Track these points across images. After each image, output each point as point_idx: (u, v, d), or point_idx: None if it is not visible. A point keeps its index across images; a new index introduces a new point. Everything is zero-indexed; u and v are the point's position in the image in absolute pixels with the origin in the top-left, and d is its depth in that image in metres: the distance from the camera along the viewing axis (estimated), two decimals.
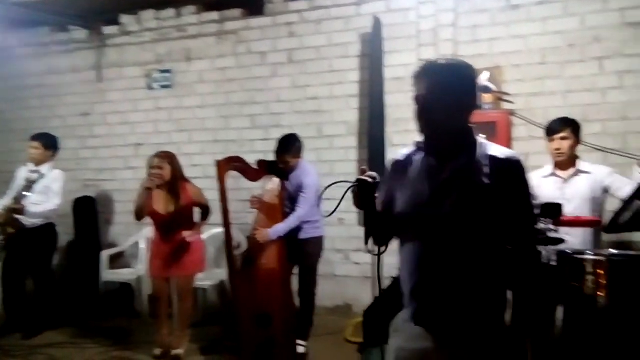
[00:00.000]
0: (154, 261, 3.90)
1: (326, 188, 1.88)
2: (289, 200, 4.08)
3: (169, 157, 3.83)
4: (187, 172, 5.06)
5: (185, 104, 5.54)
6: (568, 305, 2.97)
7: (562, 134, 3.13)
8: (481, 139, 1.70)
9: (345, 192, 1.72)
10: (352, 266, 4.96)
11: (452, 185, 1.63)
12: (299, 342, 4.04)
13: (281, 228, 3.89)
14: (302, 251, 4.05)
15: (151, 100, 5.68)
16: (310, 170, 4.06)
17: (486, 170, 1.62)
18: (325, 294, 4.76)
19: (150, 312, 4.04)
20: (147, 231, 4.71)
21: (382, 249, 1.76)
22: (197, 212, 4.03)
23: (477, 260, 1.61)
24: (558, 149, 3.12)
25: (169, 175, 3.77)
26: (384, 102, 4.65)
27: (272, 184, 4.12)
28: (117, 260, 5.48)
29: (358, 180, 1.68)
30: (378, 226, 1.75)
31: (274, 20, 5.19)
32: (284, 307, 3.88)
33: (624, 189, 2.88)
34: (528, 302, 1.67)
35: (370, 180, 1.67)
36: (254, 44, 5.26)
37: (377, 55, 4.62)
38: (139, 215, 3.78)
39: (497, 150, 1.68)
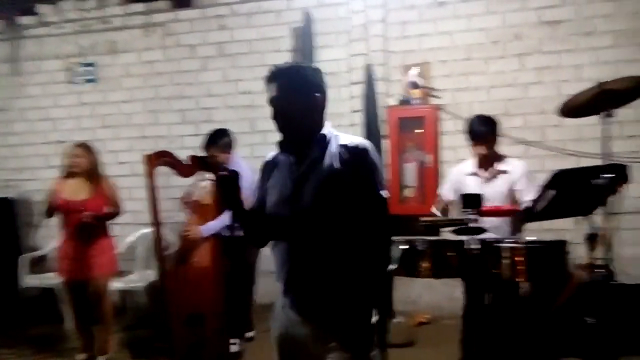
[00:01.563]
0: (64, 263, 3.73)
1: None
2: None
3: (87, 148, 3.77)
4: (114, 170, 4.89)
5: (110, 98, 5.32)
6: (492, 291, 3.12)
7: (485, 141, 3.21)
8: (334, 131, 1.83)
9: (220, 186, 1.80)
10: None
11: (308, 176, 1.75)
12: (233, 340, 3.99)
13: (214, 225, 3.81)
14: (239, 249, 3.99)
15: (74, 95, 5.42)
16: (244, 166, 4.00)
17: (338, 157, 1.75)
18: (263, 290, 4.72)
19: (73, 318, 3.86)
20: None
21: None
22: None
23: (339, 248, 1.72)
24: (482, 153, 3.22)
25: (86, 165, 3.66)
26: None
27: (205, 180, 4.02)
28: (40, 265, 5.20)
29: (218, 176, 1.78)
30: (251, 225, 1.88)
31: (204, 12, 5.07)
32: (216, 307, 3.81)
33: (527, 196, 3.03)
34: (379, 283, 1.77)
35: (227, 173, 1.77)
36: (182, 36, 5.11)
37: (309, 49, 4.62)
38: (48, 211, 3.66)
39: (347, 139, 1.81)
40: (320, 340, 1.74)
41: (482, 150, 3.21)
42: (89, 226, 3.63)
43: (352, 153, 1.75)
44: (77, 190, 3.69)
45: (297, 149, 1.80)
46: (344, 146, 1.77)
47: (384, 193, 1.76)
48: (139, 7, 5.20)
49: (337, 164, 1.73)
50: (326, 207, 1.71)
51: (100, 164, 3.84)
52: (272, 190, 1.83)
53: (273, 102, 1.77)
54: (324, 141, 1.79)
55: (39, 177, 5.48)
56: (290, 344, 1.81)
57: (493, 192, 3.17)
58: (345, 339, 1.72)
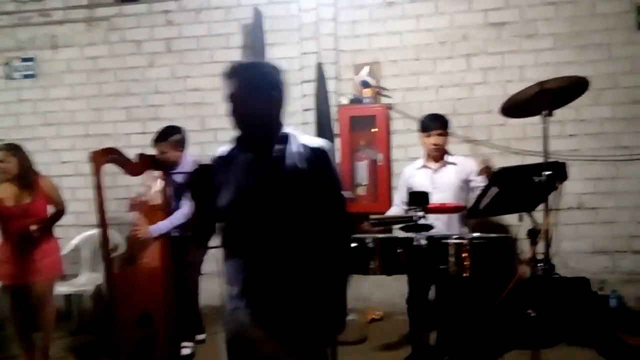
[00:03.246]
0: (5, 267, 3.53)
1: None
2: (174, 196, 3.92)
3: (13, 149, 3.52)
4: (56, 170, 4.71)
5: (52, 95, 5.10)
6: (438, 285, 3.21)
7: (439, 131, 3.34)
8: (292, 131, 1.82)
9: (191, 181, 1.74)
10: None
11: (272, 176, 1.74)
12: (185, 343, 3.91)
13: (164, 225, 3.73)
14: (187, 248, 3.91)
15: (12, 91, 5.16)
16: (196, 165, 3.93)
17: (300, 157, 1.75)
18: (213, 292, 4.64)
19: (11, 326, 3.67)
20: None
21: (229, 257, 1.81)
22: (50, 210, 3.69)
23: (298, 248, 1.72)
24: (436, 144, 3.33)
25: (15, 168, 3.46)
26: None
27: (154, 179, 3.92)
28: None
29: (198, 167, 1.76)
30: (205, 225, 1.83)
31: (150, 7, 4.92)
32: (166, 307, 3.72)
33: (478, 189, 3.13)
34: (337, 282, 1.76)
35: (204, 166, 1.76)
36: (128, 31, 4.96)
37: (259, 47, 4.57)
38: None
39: (307, 139, 1.81)
40: (274, 342, 1.72)
41: (438, 141, 3.31)
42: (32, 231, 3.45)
43: (315, 154, 1.75)
44: (13, 195, 3.48)
45: (257, 146, 1.77)
46: (305, 146, 1.77)
47: (346, 194, 1.79)
48: (82, 0, 5.01)
49: (301, 164, 1.73)
50: (291, 207, 1.70)
51: (32, 163, 3.59)
52: (227, 187, 1.78)
53: (232, 98, 1.75)
54: (284, 140, 1.77)
55: None
56: (243, 346, 1.78)
57: (442, 181, 3.29)
58: (300, 340, 1.71)
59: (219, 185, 1.79)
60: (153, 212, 3.79)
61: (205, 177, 1.75)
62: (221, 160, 1.84)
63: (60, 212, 3.64)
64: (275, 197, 1.71)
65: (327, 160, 1.78)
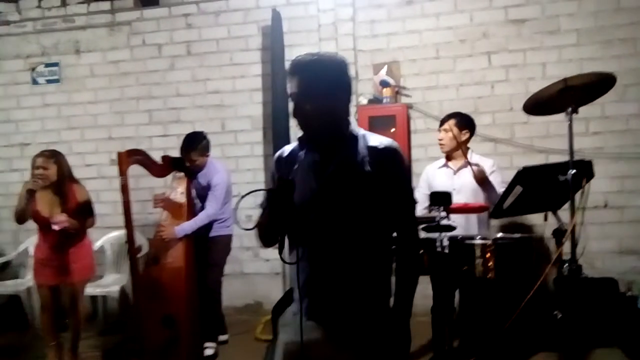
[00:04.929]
0: (39, 268, 3.60)
1: (241, 198, 1.75)
2: (198, 198, 3.96)
3: (54, 156, 3.54)
4: (80, 173, 4.76)
5: (75, 99, 5.18)
6: (463, 288, 3.16)
7: (444, 126, 3.29)
8: (361, 130, 1.74)
9: (245, 195, 1.67)
10: (262, 263, 4.90)
11: (337, 178, 1.65)
12: (207, 344, 3.94)
13: (188, 226, 3.77)
14: (208, 249, 3.94)
15: (37, 96, 5.26)
16: (219, 167, 3.97)
17: (367, 160, 1.65)
18: (235, 293, 4.68)
19: (41, 325, 3.75)
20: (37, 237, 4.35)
21: (291, 259, 1.74)
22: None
23: (363, 251, 1.65)
24: (440, 140, 3.29)
25: (54, 175, 3.49)
26: (287, 96, 4.61)
27: (178, 181, 3.96)
28: (5, 271, 5.04)
29: (281, 180, 1.62)
30: (274, 231, 1.71)
31: (170, 11, 4.98)
32: (190, 308, 3.76)
33: (492, 191, 3.09)
34: (410, 288, 1.68)
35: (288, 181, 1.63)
36: (149, 35, 5.01)
37: (278, 48, 4.58)
38: (20, 218, 3.48)
39: (376, 140, 1.70)
40: (334, 346, 1.65)
41: (442, 136, 3.25)
42: (66, 234, 3.50)
43: (382, 156, 1.65)
44: (49, 204, 3.51)
45: (322, 147, 1.68)
46: (373, 148, 1.67)
47: (418, 197, 1.72)
48: (104, 5, 5.08)
49: (367, 167, 1.64)
50: (356, 210, 1.63)
51: (70, 170, 3.63)
52: None
53: (293, 97, 1.66)
54: (352, 140, 1.68)
55: (2, 181, 5.32)
56: (300, 350, 1.69)
57: (462, 183, 3.22)
58: (361, 345, 1.64)
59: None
60: (177, 209, 3.83)
61: (286, 192, 1.62)
62: (284, 161, 1.77)
63: (90, 216, 3.67)
64: (339, 200, 1.63)
65: (396, 161, 1.67)
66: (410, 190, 1.70)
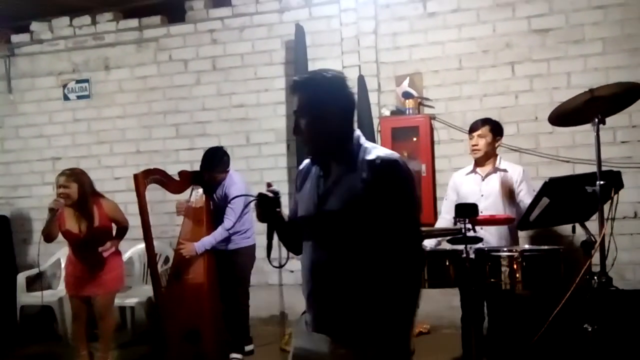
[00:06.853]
0: (70, 279, 3.71)
1: (245, 205, 1.88)
2: (216, 211, 4.01)
3: (74, 175, 3.62)
4: (109, 186, 4.90)
5: (104, 114, 5.32)
6: (490, 300, 3.13)
7: (479, 132, 3.29)
8: (365, 143, 1.74)
9: (245, 206, 1.78)
10: (286, 274, 4.92)
11: (332, 193, 1.71)
12: (234, 355, 3.97)
13: (208, 241, 3.82)
14: (232, 262, 3.98)
15: (68, 112, 5.42)
16: (237, 179, 4.00)
17: (364, 174, 1.66)
18: (260, 304, 4.70)
19: (73, 334, 3.85)
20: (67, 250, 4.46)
21: (283, 262, 1.88)
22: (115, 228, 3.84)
23: (361, 266, 1.67)
24: (475, 145, 3.29)
25: (76, 194, 3.57)
26: None
27: (198, 194, 4.03)
28: (37, 282, 5.16)
29: (259, 195, 1.76)
30: (287, 235, 1.87)
31: (196, 27, 5.09)
32: (214, 322, 3.80)
33: (525, 200, 3.06)
34: (403, 301, 1.65)
35: (270, 195, 1.75)
36: (175, 51, 5.13)
37: (302, 62, 4.63)
38: (47, 237, 3.61)
39: (374, 153, 1.70)
40: (339, 356, 1.68)
41: (477, 142, 3.25)
42: (96, 245, 3.61)
43: (379, 168, 1.65)
44: (76, 222, 3.62)
45: (322, 162, 1.76)
46: (371, 161, 1.67)
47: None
48: (132, 22, 5.23)
49: (362, 182, 1.65)
50: (350, 224, 1.65)
51: (93, 187, 3.73)
52: (300, 201, 1.82)
53: (295, 114, 1.74)
54: (351, 155, 1.71)
55: (34, 195, 5.48)
56: (306, 357, 1.76)
57: (490, 189, 3.21)
58: (363, 356, 1.65)
59: (297, 199, 1.85)
60: (198, 220, 3.88)
61: (267, 205, 1.76)
62: (301, 174, 1.87)
63: (123, 229, 3.79)
64: (334, 214, 1.68)
65: (392, 175, 1.66)
66: (408, 203, 1.67)
